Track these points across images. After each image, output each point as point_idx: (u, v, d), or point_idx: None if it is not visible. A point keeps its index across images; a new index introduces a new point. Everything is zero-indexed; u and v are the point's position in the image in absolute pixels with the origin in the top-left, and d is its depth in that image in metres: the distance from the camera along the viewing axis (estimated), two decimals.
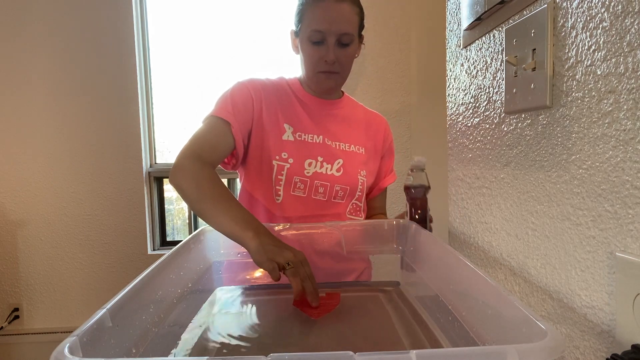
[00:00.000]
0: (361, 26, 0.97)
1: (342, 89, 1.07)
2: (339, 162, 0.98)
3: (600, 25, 0.48)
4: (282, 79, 1.03)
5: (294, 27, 0.98)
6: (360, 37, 0.98)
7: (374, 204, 1.12)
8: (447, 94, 0.96)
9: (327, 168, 0.97)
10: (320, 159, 0.96)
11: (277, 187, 0.95)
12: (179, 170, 0.83)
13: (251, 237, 0.71)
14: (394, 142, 1.13)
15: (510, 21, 0.66)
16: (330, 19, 0.89)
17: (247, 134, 0.95)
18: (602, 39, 0.48)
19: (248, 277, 0.85)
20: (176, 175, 0.83)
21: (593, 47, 0.50)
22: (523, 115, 0.65)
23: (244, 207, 0.79)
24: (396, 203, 1.90)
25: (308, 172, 0.95)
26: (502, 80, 0.69)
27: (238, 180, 1.08)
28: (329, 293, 0.74)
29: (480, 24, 0.77)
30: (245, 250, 0.71)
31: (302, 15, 0.93)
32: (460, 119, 0.88)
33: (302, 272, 0.67)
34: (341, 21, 0.90)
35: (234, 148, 0.94)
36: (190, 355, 0.57)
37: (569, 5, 0.54)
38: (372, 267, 1.00)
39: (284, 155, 0.94)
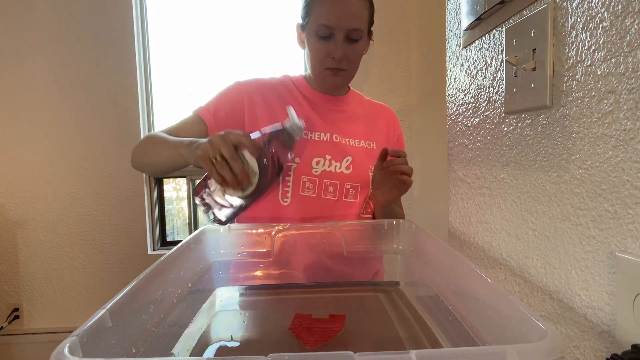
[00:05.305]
0: (371, 21, 0.93)
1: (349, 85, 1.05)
2: (347, 160, 0.95)
3: (600, 25, 0.48)
4: (286, 77, 1.01)
5: (300, 21, 0.94)
6: (370, 32, 0.95)
7: None
8: (447, 94, 0.96)
9: (335, 166, 0.94)
10: (328, 157, 0.94)
11: (285, 189, 0.92)
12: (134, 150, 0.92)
13: (187, 146, 0.76)
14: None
15: (510, 21, 0.66)
16: (339, 14, 0.86)
17: None
18: (602, 39, 0.48)
19: (248, 277, 0.85)
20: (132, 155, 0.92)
21: (593, 47, 0.50)
22: (523, 115, 0.65)
23: (178, 138, 0.84)
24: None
25: (316, 171, 0.93)
26: (502, 80, 0.69)
27: None
28: (333, 316, 0.65)
29: (480, 24, 0.77)
30: (245, 248, 0.71)
31: (310, 8, 0.89)
32: (460, 119, 0.88)
33: (231, 165, 0.66)
34: (350, 16, 0.86)
35: None
36: (190, 355, 0.57)
37: (569, 5, 0.54)
38: (384, 270, 0.95)
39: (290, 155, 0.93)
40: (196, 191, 0.74)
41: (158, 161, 0.86)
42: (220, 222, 0.73)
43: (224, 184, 0.68)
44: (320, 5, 0.88)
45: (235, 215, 0.73)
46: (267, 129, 0.71)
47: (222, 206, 0.72)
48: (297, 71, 1.06)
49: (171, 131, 0.92)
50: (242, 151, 0.67)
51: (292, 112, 0.72)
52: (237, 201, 0.70)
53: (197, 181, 0.75)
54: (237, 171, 0.66)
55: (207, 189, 0.72)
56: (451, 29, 0.92)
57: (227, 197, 0.70)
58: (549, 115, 0.58)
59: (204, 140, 0.71)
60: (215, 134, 0.69)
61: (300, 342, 0.59)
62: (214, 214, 0.73)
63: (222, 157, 0.66)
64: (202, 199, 0.73)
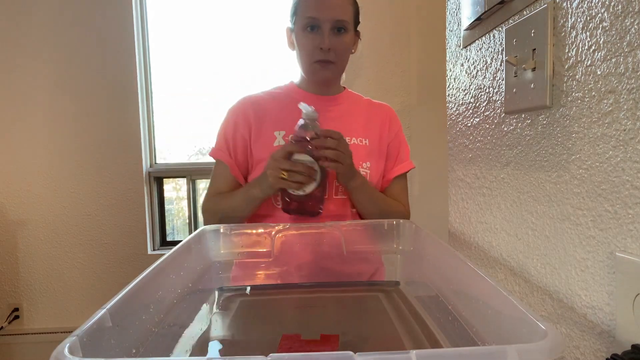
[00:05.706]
0: (356, 20, 0.98)
1: (344, 85, 1.07)
2: None
3: (600, 25, 0.48)
4: (277, 88, 1.05)
5: (289, 24, 1.00)
6: (356, 31, 0.99)
7: (387, 194, 1.07)
8: (447, 94, 0.96)
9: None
10: None
11: (276, 193, 0.94)
12: (205, 216, 1.01)
13: (255, 187, 0.90)
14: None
15: (510, 21, 0.66)
16: (324, 6, 0.92)
17: (247, 161, 1.00)
18: (602, 39, 0.48)
19: (248, 277, 0.85)
20: (205, 221, 1.00)
21: (593, 47, 0.50)
22: (523, 115, 0.65)
23: (241, 188, 0.97)
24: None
25: None
26: (502, 80, 0.69)
27: None
28: (325, 336, 0.59)
29: (480, 24, 0.77)
30: (245, 248, 0.72)
31: (297, 7, 0.95)
32: (460, 119, 0.88)
33: (296, 170, 0.81)
34: (335, 8, 0.92)
35: (239, 182, 1.02)
36: (190, 355, 0.57)
37: (569, 5, 0.54)
38: (384, 268, 0.93)
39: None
40: (287, 210, 0.89)
41: (237, 218, 0.96)
42: (319, 214, 0.89)
43: (301, 185, 0.83)
44: (306, 1, 0.94)
45: (323, 200, 0.90)
46: (295, 129, 0.87)
47: (311, 201, 0.87)
48: (296, 72, 1.07)
49: (213, 187, 1.02)
50: (292, 157, 0.83)
51: (302, 105, 0.84)
52: (318, 190, 0.87)
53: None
54: (302, 170, 0.82)
55: (290, 201, 0.87)
56: (451, 29, 0.92)
57: (309, 191, 0.85)
58: (549, 115, 0.58)
59: (262, 174, 0.89)
60: (268, 161, 0.86)
61: None
62: (310, 212, 0.89)
63: (285, 170, 0.82)
64: (299, 210, 0.89)
